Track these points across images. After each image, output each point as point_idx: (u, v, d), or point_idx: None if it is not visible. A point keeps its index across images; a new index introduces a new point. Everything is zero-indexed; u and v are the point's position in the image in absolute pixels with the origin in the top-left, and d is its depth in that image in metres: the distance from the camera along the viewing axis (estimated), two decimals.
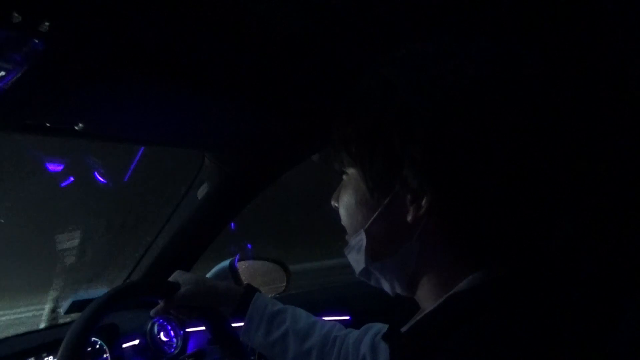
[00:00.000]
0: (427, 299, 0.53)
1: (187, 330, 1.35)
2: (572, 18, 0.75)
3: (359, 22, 0.82)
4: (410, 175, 0.48)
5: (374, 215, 0.53)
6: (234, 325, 0.97)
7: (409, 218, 0.50)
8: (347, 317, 1.24)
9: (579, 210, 0.78)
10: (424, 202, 0.48)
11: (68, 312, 1.25)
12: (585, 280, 0.76)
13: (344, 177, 0.58)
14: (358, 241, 0.55)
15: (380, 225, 0.53)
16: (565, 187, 0.50)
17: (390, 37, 0.50)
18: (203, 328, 1.32)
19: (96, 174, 1.81)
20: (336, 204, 0.60)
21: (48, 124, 0.75)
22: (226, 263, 1.55)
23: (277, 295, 1.48)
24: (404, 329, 0.56)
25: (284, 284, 1.53)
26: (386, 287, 0.57)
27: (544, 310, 0.46)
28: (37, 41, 0.50)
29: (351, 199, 0.56)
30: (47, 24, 0.48)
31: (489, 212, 0.47)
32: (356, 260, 0.56)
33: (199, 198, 1.28)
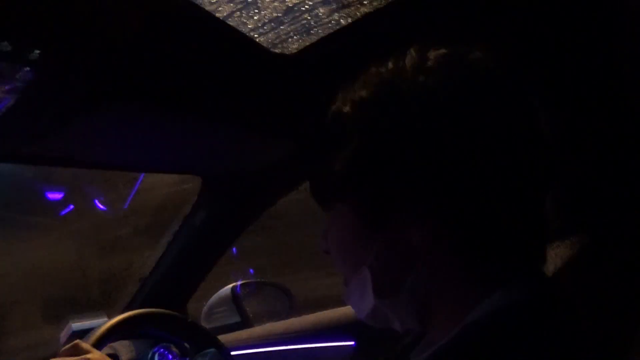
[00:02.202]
0: (440, 329, 0.49)
1: None
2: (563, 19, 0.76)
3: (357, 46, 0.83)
4: (410, 200, 0.45)
5: (375, 249, 0.48)
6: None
7: (413, 243, 0.46)
8: (352, 343, 1.21)
9: (586, 216, 0.77)
10: (427, 224, 0.45)
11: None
12: (597, 298, 0.73)
13: (330, 212, 0.53)
14: (361, 280, 0.50)
15: (382, 258, 0.49)
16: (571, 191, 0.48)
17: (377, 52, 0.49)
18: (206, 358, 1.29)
19: (96, 201, 1.80)
20: (326, 245, 0.54)
21: (42, 152, 0.74)
22: (228, 289, 1.53)
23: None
24: None
25: (287, 309, 1.50)
26: (396, 325, 0.52)
27: (564, 338, 0.44)
28: (27, 69, 0.50)
29: (345, 235, 0.51)
30: (37, 52, 0.48)
31: (496, 228, 0.45)
32: (361, 301, 0.51)
33: (198, 224, 1.27)
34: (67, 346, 0.80)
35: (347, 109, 0.49)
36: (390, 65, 0.49)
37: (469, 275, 0.47)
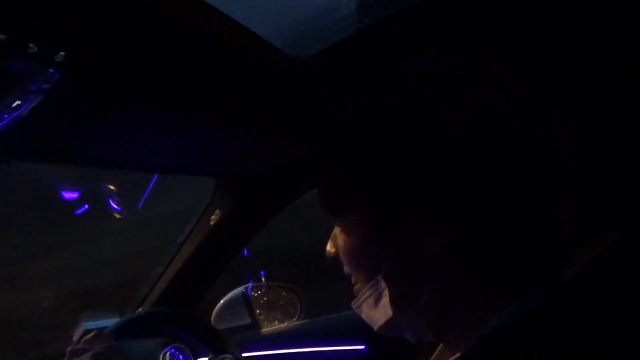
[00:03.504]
0: (455, 339, 0.48)
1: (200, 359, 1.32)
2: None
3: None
4: (426, 209, 0.44)
5: (389, 258, 0.47)
6: None
7: (429, 252, 0.45)
8: (362, 347, 1.21)
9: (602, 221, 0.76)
10: (443, 233, 0.44)
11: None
12: (610, 302, 0.73)
13: (339, 221, 0.52)
14: (376, 290, 0.48)
15: (396, 268, 0.47)
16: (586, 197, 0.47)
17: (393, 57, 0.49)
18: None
19: (110, 201, 1.82)
20: (333, 253, 0.53)
21: (62, 152, 0.76)
22: (239, 290, 1.53)
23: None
24: None
25: (298, 310, 1.51)
26: (409, 336, 0.51)
27: (584, 346, 0.43)
28: (52, 71, 0.51)
29: (356, 243, 0.49)
30: (62, 54, 0.49)
31: (512, 237, 0.44)
32: (375, 312, 0.50)
33: (211, 225, 1.28)
34: (89, 335, 0.81)
35: (363, 114, 0.48)
36: (409, 70, 0.48)
37: (484, 285, 0.46)
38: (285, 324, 1.46)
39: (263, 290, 1.57)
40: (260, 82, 0.83)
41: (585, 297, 0.49)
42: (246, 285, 1.53)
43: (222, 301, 1.53)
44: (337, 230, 0.53)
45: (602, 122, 0.80)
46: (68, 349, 0.80)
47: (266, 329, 1.46)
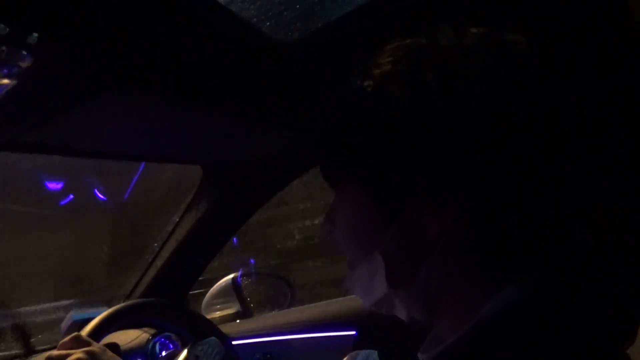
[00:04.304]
0: (449, 323, 0.47)
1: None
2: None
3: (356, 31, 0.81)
4: (430, 186, 0.43)
5: (388, 235, 0.46)
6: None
7: (431, 232, 0.44)
8: (353, 332, 1.21)
9: (604, 214, 0.76)
10: (449, 212, 0.43)
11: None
12: (611, 292, 0.73)
13: (340, 192, 0.51)
14: (371, 266, 0.48)
15: (395, 246, 0.46)
16: (589, 187, 0.46)
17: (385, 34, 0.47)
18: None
19: (96, 191, 1.80)
20: (331, 226, 0.52)
21: (41, 141, 0.73)
22: (229, 279, 1.53)
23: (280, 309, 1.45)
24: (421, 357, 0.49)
25: (287, 299, 1.51)
26: (402, 314, 0.50)
27: (576, 333, 0.43)
28: (25, 53, 0.49)
29: (355, 218, 0.48)
30: (35, 35, 0.47)
31: (513, 223, 0.44)
32: (369, 288, 0.49)
33: (199, 214, 1.26)
34: (66, 338, 0.80)
35: (369, 82, 0.46)
36: (422, 40, 0.46)
37: (482, 270, 0.45)
38: (276, 311, 1.46)
39: (253, 278, 1.57)
40: (245, 68, 0.81)
41: (580, 288, 0.49)
42: (236, 274, 1.53)
43: (212, 290, 1.52)
44: (334, 204, 0.52)
45: (604, 119, 0.79)
46: (47, 355, 0.78)
47: (257, 316, 1.46)
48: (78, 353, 0.76)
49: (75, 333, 0.81)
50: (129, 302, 1.00)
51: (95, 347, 0.79)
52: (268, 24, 0.79)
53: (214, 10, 0.67)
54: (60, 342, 0.80)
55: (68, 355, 0.76)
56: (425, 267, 0.46)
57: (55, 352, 0.78)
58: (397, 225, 0.46)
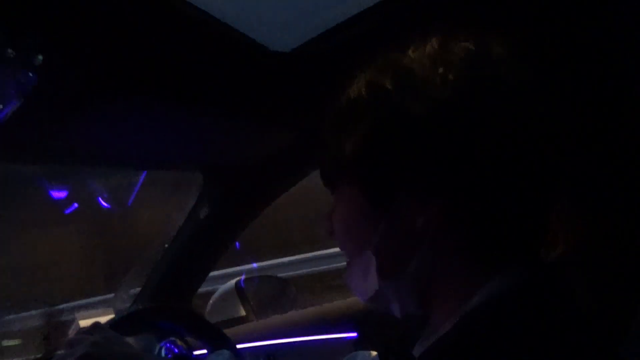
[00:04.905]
0: (440, 314, 0.49)
1: (196, 353, 1.33)
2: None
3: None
4: (417, 183, 0.46)
5: (379, 229, 0.49)
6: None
7: (418, 225, 0.46)
8: (354, 334, 1.23)
9: (589, 207, 0.77)
10: (434, 205, 0.46)
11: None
12: (595, 282, 0.74)
13: (337, 194, 0.54)
14: (364, 262, 0.50)
15: (387, 239, 0.49)
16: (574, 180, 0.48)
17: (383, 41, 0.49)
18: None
19: (100, 199, 1.81)
20: (330, 226, 0.55)
21: (45, 152, 0.76)
22: (232, 283, 1.54)
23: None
24: (416, 352, 0.51)
25: (290, 302, 1.52)
26: (396, 309, 0.52)
27: (560, 324, 0.44)
28: (31, 75, 0.51)
29: (351, 216, 0.52)
30: (40, 58, 0.49)
31: (499, 215, 0.46)
32: (363, 283, 0.51)
33: (201, 218, 1.28)
34: (86, 327, 0.81)
35: (362, 91, 0.50)
36: (410, 53, 0.49)
37: (470, 261, 0.47)
38: (279, 314, 1.47)
39: (256, 282, 1.59)
40: (243, 76, 0.83)
41: (567, 279, 0.50)
42: (239, 278, 1.54)
43: (215, 294, 1.54)
44: (334, 206, 0.55)
45: (603, 120, 0.80)
46: (66, 340, 0.80)
47: (260, 320, 1.48)
48: (96, 336, 0.78)
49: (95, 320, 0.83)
50: (138, 306, 1.02)
51: (112, 333, 0.81)
52: (267, 28, 0.80)
53: (210, 19, 0.69)
54: (80, 329, 0.81)
55: (86, 338, 0.78)
56: (415, 259, 0.48)
57: (73, 337, 0.80)
58: (387, 220, 0.49)
